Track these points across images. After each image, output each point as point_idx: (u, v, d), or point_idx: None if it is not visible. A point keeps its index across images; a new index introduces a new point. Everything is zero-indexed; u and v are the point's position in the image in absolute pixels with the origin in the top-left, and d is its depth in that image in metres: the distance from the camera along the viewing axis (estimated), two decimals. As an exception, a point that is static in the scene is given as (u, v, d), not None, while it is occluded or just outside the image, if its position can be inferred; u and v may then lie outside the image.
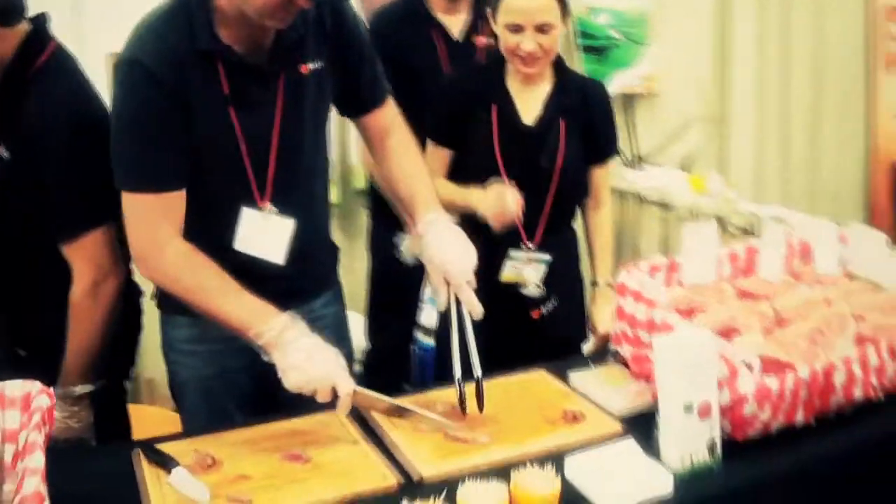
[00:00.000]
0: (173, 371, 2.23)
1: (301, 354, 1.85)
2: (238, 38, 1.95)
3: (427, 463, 1.82)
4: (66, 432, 2.21)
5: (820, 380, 1.91)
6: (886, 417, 2.05)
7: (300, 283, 2.16)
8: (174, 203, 1.94)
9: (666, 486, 1.74)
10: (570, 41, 4.55)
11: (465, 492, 1.62)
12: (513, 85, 2.66)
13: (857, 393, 2.00)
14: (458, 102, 2.69)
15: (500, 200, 2.49)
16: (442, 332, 3.39)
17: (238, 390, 2.14)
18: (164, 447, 1.88)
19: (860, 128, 5.75)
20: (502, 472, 1.74)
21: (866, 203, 5.82)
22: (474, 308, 2.06)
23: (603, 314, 2.64)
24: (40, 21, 2.18)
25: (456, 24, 3.02)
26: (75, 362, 2.19)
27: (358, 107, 2.25)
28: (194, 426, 2.12)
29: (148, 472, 1.80)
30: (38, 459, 1.45)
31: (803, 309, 2.23)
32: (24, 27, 2.13)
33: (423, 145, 2.54)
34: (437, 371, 3.64)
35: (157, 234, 1.93)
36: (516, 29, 2.52)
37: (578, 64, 4.54)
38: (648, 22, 4.89)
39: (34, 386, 1.61)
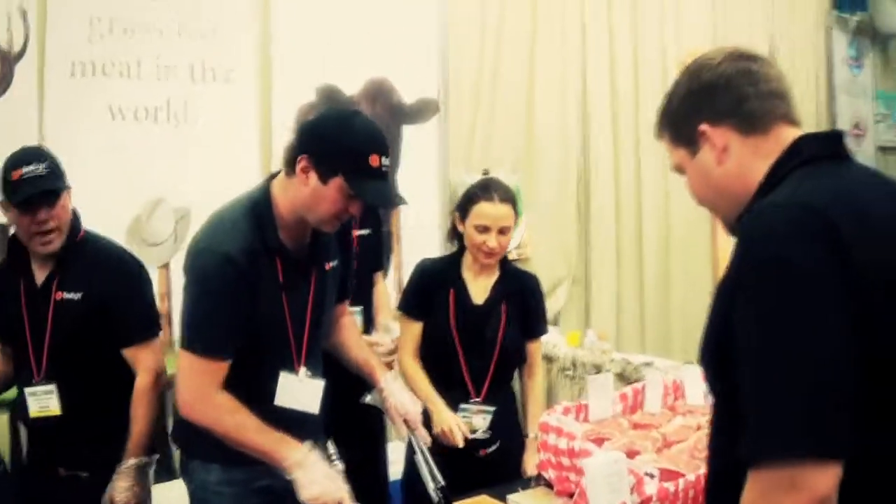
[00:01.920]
0: None
1: (320, 473, 2.41)
2: (290, 238, 2.52)
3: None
4: (134, 498, 2.84)
5: (703, 481, 2.56)
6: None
7: (313, 425, 2.66)
8: (223, 368, 2.45)
9: (601, 568, 2.36)
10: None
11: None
12: (467, 274, 3.26)
13: (730, 490, 2.65)
14: (425, 284, 3.27)
15: (451, 429, 3.00)
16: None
17: None
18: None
19: (706, 282, 6.36)
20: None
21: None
22: (426, 439, 2.74)
23: (532, 461, 3.10)
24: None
25: None
26: (140, 439, 2.89)
27: (338, 297, 2.82)
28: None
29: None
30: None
31: (682, 433, 2.90)
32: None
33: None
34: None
35: (206, 386, 2.43)
36: (484, 230, 3.11)
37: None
38: (520, 195, 5.38)
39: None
